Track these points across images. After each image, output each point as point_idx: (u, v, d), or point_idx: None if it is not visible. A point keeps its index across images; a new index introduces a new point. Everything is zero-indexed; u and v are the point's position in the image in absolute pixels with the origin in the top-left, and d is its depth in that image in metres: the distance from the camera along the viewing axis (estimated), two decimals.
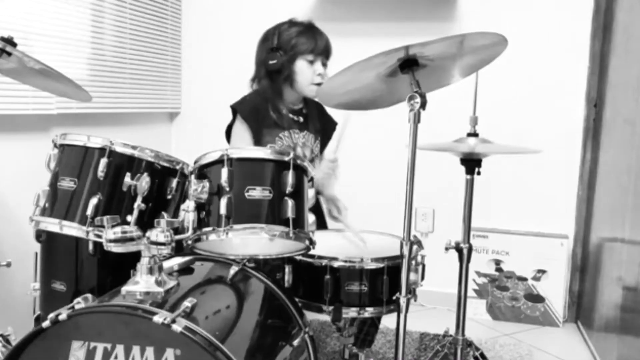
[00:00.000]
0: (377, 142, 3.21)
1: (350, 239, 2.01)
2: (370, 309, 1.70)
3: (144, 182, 1.49)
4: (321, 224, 2.21)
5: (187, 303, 1.27)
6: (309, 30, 2.20)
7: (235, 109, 2.19)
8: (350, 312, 1.69)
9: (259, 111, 2.18)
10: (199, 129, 3.54)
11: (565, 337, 2.94)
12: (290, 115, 2.25)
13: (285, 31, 2.19)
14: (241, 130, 2.17)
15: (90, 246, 1.62)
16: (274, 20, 2.25)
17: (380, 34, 3.19)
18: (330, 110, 2.36)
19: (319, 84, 2.16)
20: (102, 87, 2.88)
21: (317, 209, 2.19)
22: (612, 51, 2.83)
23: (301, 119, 2.28)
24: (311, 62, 2.18)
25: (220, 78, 3.45)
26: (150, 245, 1.39)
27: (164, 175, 1.61)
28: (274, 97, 2.21)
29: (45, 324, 1.25)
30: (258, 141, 2.16)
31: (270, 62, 2.17)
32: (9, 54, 1.59)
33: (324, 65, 2.20)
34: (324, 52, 2.20)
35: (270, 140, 2.18)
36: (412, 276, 1.59)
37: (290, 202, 1.49)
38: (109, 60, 2.92)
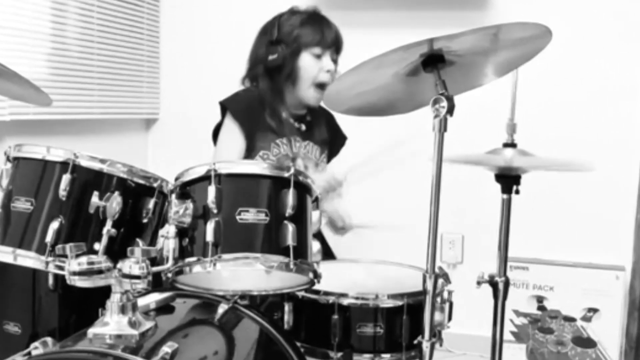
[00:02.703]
0: (395, 154, 3.21)
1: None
2: (386, 356, 1.70)
3: (114, 202, 1.50)
4: (327, 253, 2.20)
5: (166, 348, 1.27)
6: (314, 19, 2.23)
7: (225, 105, 2.21)
8: (363, 359, 1.69)
9: (253, 110, 2.20)
10: (180, 138, 3.55)
11: None
12: (292, 121, 2.27)
13: (286, 21, 2.21)
14: (231, 131, 2.19)
15: (51, 280, 1.62)
16: (269, 10, 2.26)
17: (399, 25, 3.20)
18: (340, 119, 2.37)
19: (322, 85, 2.17)
20: (64, 88, 2.90)
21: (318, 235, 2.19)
22: None
23: (303, 127, 2.30)
24: (318, 57, 2.19)
25: (206, 78, 3.46)
26: (123, 279, 1.38)
27: (139, 195, 1.61)
28: (274, 100, 2.22)
29: None
30: (250, 146, 2.16)
31: (270, 57, 2.18)
32: None
33: (334, 61, 2.21)
34: (333, 45, 2.22)
35: (264, 146, 2.19)
36: (437, 316, 1.59)
37: (290, 227, 1.48)
38: (73, 57, 2.94)
